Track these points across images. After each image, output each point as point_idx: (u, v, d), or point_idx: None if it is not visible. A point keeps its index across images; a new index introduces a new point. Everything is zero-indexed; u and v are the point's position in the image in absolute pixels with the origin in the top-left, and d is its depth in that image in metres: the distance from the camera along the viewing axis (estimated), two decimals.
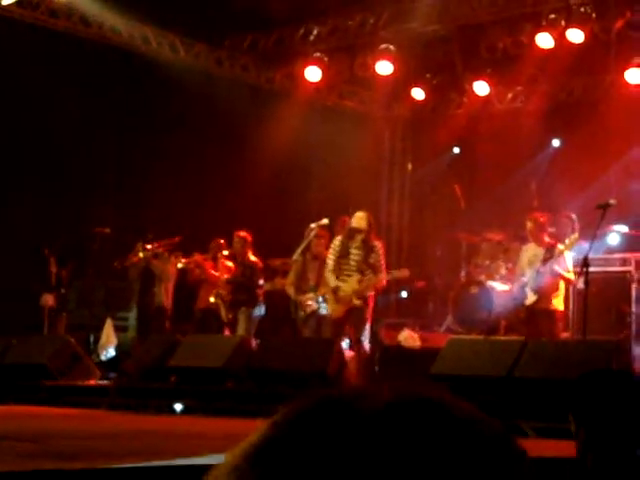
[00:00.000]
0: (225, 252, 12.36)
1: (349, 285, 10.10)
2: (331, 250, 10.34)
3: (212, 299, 12.33)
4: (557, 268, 10.25)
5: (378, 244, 10.26)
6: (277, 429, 0.96)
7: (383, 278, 10.20)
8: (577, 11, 12.46)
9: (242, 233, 12.07)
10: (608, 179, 13.55)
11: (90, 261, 13.43)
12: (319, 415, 0.97)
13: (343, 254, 10.18)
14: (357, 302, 10.06)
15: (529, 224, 10.71)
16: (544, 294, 10.35)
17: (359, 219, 10.15)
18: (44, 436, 6.84)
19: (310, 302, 10.85)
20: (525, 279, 10.60)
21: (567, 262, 10.42)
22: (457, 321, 13.00)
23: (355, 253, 10.15)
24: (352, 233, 10.16)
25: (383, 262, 10.19)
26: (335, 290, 10.14)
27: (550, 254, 10.31)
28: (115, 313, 13.41)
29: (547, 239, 10.50)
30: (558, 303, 10.45)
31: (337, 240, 10.36)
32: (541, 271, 10.33)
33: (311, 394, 1.02)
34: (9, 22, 12.45)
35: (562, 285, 10.48)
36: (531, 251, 10.61)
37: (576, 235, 10.44)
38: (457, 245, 14.12)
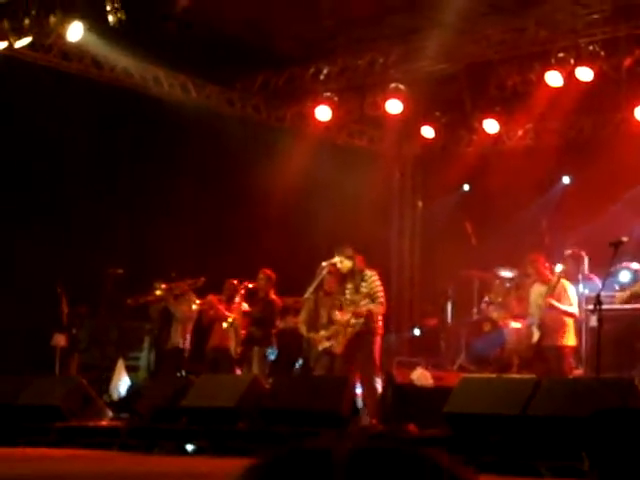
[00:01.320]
0: (250, 285, 12.41)
1: (344, 318, 10.19)
2: (335, 290, 10.58)
3: (225, 325, 12.33)
4: (553, 302, 10.27)
5: (369, 272, 10.33)
6: (249, 476, 1.01)
7: (381, 305, 10.23)
8: (586, 49, 12.52)
9: (267, 270, 12.23)
10: (619, 216, 13.52)
11: (102, 301, 13.44)
12: (288, 464, 1.02)
13: (341, 292, 10.33)
14: (350, 331, 10.12)
15: (529, 267, 10.76)
16: (548, 330, 10.35)
17: (340, 262, 10.36)
18: (55, 478, 6.82)
19: (323, 340, 10.84)
20: (532, 317, 10.62)
21: (570, 296, 10.40)
22: (470, 359, 12.95)
23: (348, 287, 10.29)
24: (341, 274, 10.35)
25: (379, 289, 10.23)
26: (331, 324, 10.31)
27: (551, 290, 10.35)
28: (127, 353, 13.39)
29: (550, 276, 10.50)
30: (566, 339, 10.41)
31: (334, 281, 10.59)
32: (542, 307, 10.36)
33: (288, 445, 1.09)
34: (22, 64, 12.57)
35: (569, 321, 10.44)
36: (536, 290, 10.63)
37: (560, 271, 10.46)
38: (469, 282, 14.10)
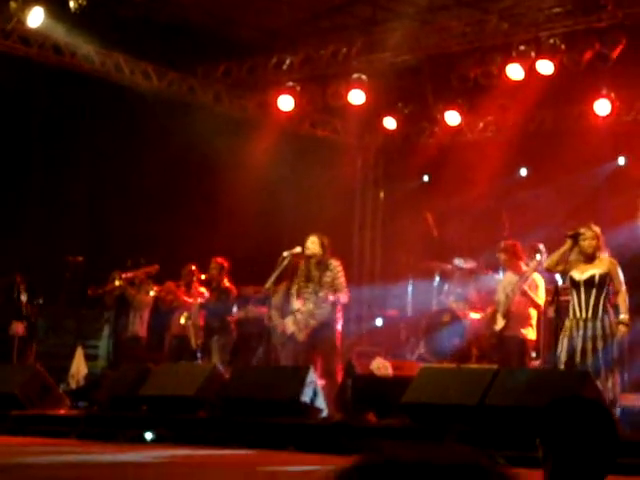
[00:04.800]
0: (202, 277, 12.38)
1: (306, 307, 10.17)
2: (297, 275, 10.47)
3: (182, 320, 12.30)
4: (525, 288, 10.29)
5: (334, 262, 10.27)
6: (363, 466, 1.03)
7: (342, 296, 10.20)
8: (546, 43, 12.61)
9: (219, 259, 12.16)
10: (577, 208, 13.66)
11: (62, 289, 13.34)
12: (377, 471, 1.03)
13: (305, 278, 10.28)
14: (312, 322, 10.10)
15: (503, 255, 10.74)
16: (513, 319, 10.38)
17: (311, 243, 10.25)
18: (11, 466, 6.77)
19: (289, 325, 10.79)
20: (499, 305, 10.60)
21: (539, 290, 10.45)
22: (429, 350, 13.02)
23: (313, 275, 10.24)
24: (308, 258, 10.27)
25: (342, 280, 10.20)
26: (295, 313, 10.23)
27: (524, 280, 10.34)
28: (85, 342, 13.31)
29: (523, 267, 10.50)
30: (528, 332, 10.47)
31: (302, 265, 10.47)
32: (510, 295, 10.39)
33: (375, 450, 1.11)
34: None
35: (533, 313, 10.50)
36: (506, 279, 10.64)
37: (537, 260, 10.48)
38: (429, 273, 14.16)
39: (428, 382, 8.93)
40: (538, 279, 10.51)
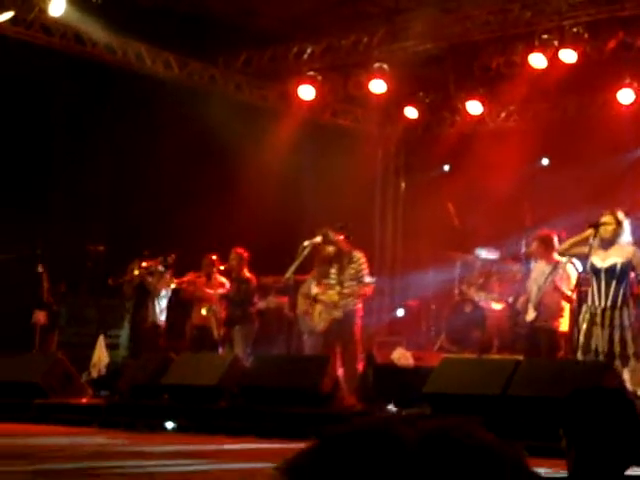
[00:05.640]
0: (222, 267, 12.41)
1: (328, 297, 10.17)
2: (318, 264, 10.51)
3: (204, 311, 12.34)
4: (557, 282, 10.09)
5: (357, 254, 10.31)
6: (313, 450, 1.01)
7: (365, 287, 10.21)
8: (570, 32, 12.51)
9: (239, 249, 12.17)
10: (599, 197, 13.57)
11: (83, 278, 13.39)
12: (353, 443, 1.01)
13: (325, 269, 10.28)
14: (336, 314, 10.10)
15: (536, 244, 10.54)
16: (544, 311, 10.21)
17: (321, 244, 10.32)
18: (33, 455, 6.80)
19: (316, 315, 10.77)
20: (531, 295, 10.41)
21: (571, 282, 10.20)
22: (450, 340, 13.00)
23: (334, 268, 10.27)
24: (326, 256, 10.32)
25: (365, 271, 10.23)
26: (315, 301, 10.24)
27: (555, 270, 10.17)
28: (107, 331, 13.36)
29: (556, 256, 10.32)
30: (560, 323, 10.26)
31: (322, 255, 10.51)
32: (542, 287, 10.21)
33: (351, 423, 1.08)
34: (3, 39, 12.45)
35: (566, 306, 10.24)
36: (538, 269, 10.45)
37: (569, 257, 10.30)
38: (451, 263, 14.13)
39: (450, 372, 8.90)
40: (571, 270, 10.27)
